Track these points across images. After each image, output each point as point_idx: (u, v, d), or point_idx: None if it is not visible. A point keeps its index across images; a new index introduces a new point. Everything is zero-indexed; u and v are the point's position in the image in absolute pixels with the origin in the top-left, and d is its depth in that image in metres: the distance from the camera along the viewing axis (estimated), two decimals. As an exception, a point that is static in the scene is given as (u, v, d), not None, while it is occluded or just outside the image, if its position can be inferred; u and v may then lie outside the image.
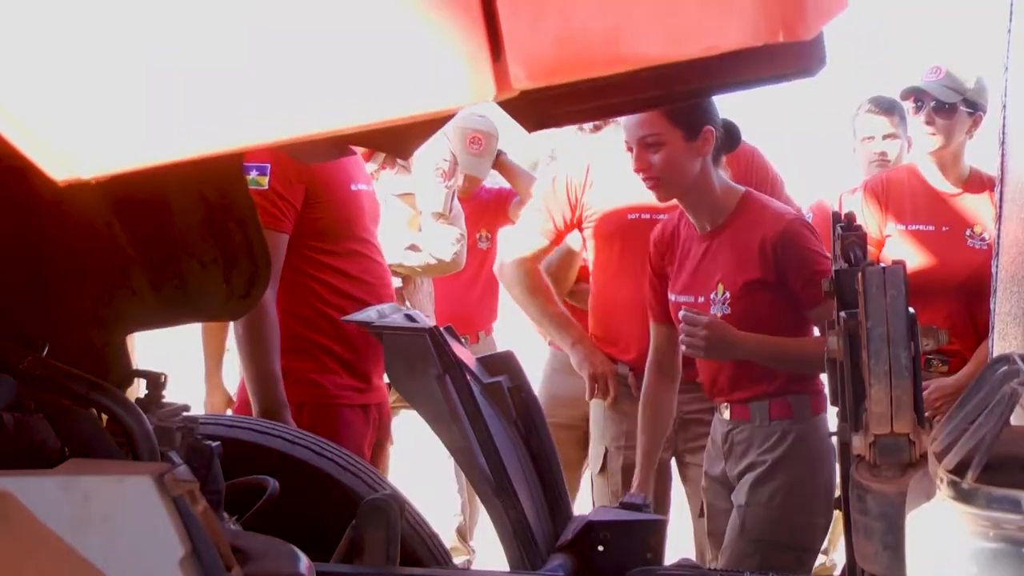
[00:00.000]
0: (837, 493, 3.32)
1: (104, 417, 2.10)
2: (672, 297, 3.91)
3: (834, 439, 3.18)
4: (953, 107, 4.32)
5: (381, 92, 0.96)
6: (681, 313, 3.71)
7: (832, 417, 3.77)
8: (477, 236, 5.56)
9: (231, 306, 2.55)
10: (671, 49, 0.97)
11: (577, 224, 4.50)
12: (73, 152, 0.97)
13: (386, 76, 0.96)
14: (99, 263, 2.33)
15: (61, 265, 2.29)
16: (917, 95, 4.34)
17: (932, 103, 4.31)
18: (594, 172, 4.44)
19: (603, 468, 4.49)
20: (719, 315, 3.68)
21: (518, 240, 4.66)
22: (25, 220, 0.90)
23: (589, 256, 4.58)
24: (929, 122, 4.32)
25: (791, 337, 3.72)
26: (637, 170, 3.71)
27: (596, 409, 4.54)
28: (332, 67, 0.96)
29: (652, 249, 4.01)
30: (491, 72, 0.96)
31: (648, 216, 4.27)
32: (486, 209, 5.79)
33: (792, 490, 3.73)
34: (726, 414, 3.88)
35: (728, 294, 3.69)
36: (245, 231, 2.42)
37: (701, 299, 3.78)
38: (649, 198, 3.94)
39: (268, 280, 2.59)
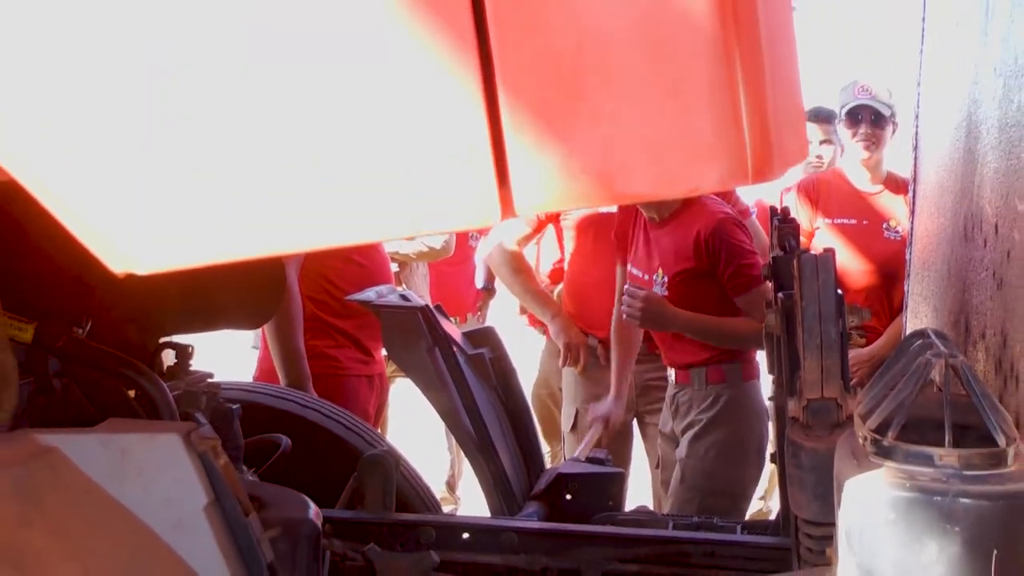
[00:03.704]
0: (772, 449, 3.34)
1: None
2: (628, 266, 3.97)
3: (769, 402, 3.20)
4: (886, 120, 4.33)
5: (401, 212, 0.97)
6: (625, 287, 3.76)
7: (763, 382, 3.82)
8: (470, 235, 5.51)
9: (253, 317, 2.54)
10: (658, 190, 0.98)
11: (556, 216, 4.50)
12: (129, 251, 0.97)
13: (405, 199, 0.96)
14: (137, 281, 2.31)
15: (105, 281, 2.27)
16: (856, 113, 4.33)
17: (871, 118, 4.31)
18: None
19: (574, 426, 4.51)
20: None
21: (504, 227, 4.66)
22: (71, 240, 0.90)
23: (566, 245, 4.59)
24: (867, 135, 4.33)
25: (719, 317, 3.73)
26: None
27: (568, 375, 4.56)
28: (359, 192, 0.96)
29: (619, 214, 4.03)
30: (498, 199, 0.96)
31: (616, 210, 4.29)
32: None
33: (725, 445, 3.79)
34: (673, 378, 3.93)
35: (666, 278, 3.76)
36: None
37: (647, 277, 3.83)
38: None
39: (283, 295, 2.57)
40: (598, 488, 3.12)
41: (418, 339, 2.95)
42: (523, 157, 0.96)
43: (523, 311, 5.24)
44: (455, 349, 3.04)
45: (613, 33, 0.94)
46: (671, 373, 3.96)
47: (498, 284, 5.41)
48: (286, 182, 0.96)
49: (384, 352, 4.15)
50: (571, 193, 0.97)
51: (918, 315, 3.20)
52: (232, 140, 0.96)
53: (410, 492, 3.06)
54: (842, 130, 4.48)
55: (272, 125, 0.96)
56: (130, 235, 0.97)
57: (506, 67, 0.94)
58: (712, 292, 3.71)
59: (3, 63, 0.95)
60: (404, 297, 3.13)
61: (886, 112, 4.31)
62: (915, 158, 3.38)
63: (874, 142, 4.34)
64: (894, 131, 4.43)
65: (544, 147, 0.95)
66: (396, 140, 0.96)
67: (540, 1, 0.94)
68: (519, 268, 4.56)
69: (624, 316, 3.76)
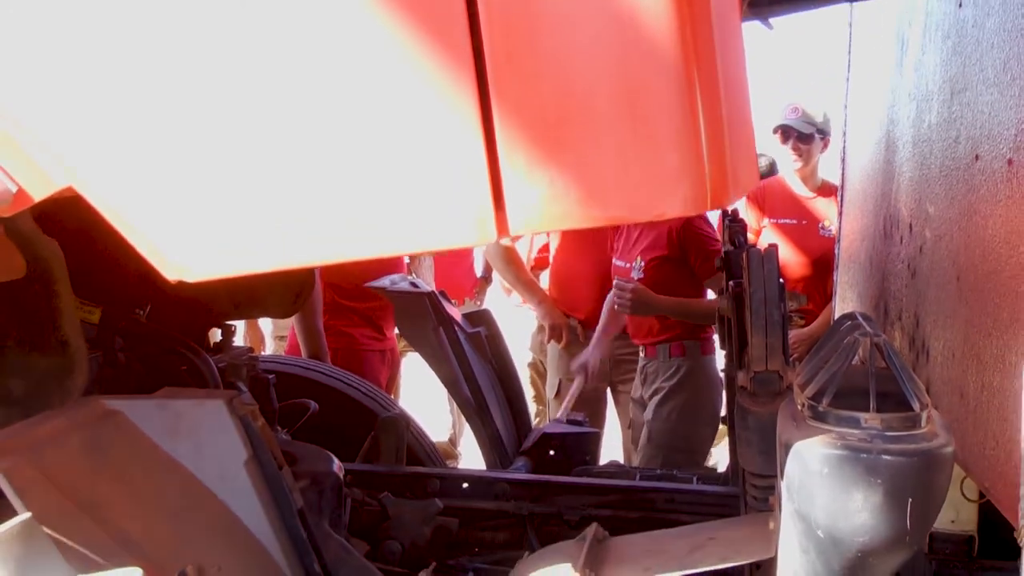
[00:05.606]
0: (723, 412, 3.35)
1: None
2: (613, 259, 3.99)
3: (722, 374, 3.21)
4: (811, 136, 4.32)
5: (412, 230, 0.97)
6: (615, 281, 3.76)
7: (718, 358, 3.84)
8: None
9: (285, 307, 2.55)
10: (631, 214, 0.98)
11: None
12: (180, 262, 0.97)
13: (416, 219, 0.96)
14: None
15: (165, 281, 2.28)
16: (785, 130, 4.33)
17: (796, 135, 4.31)
18: None
19: (558, 393, 4.52)
20: (635, 278, 3.73)
21: None
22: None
23: (552, 242, 4.58)
24: (795, 149, 4.33)
25: (689, 298, 3.76)
26: None
27: (552, 350, 4.56)
28: (373, 213, 0.96)
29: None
30: (494, 220, 0.96)
31: None
32: None
33: (684, 408, 3.81)
34: (642, 353, 3.94)
35: (643, 263, 3.77)
36: None
37: (627, 265, 3.83)
38: None
39: (312, 289, 2.59)
40: (577, 445, 3.12)
41: (425, 320, 2.95)
42: (516, 185, 0.95)
43: (508, 291, 5.25)
44: (456, 328, 3.04)
45: (594, 77, 0.94)
46: (641, 349, 3.98)
47: (494, 273, 5.40)
48: (310, 207, 0.96)
49: (396, 331, 4.15)
50: (557, 215, 0.96)
51: (845, 300, 3.20)
52: (265, 171, 0.96)
53: (418, 448, 3.06)
54: (777, 143, 4.48)
55: (301, 159, 0.95)
56: (181, 249, 0.97)
57: (502, 106, 0.94)
58: (679, 275, 3.75)
59: (73, 104, 0.95)
60: (413, 284, 3.13)
61: (808, 131, 4.30)
62: (843, 168, 3.38)
63: (801, 155, 4.34)
64: (825, 146, 4.42)
65: (534, 176, 0.95)
66: (408, 170, 0.95)
67: (532, 46, 0.94)
68: (512, 260, 4.57)
69: (616, 307, 3.78)
